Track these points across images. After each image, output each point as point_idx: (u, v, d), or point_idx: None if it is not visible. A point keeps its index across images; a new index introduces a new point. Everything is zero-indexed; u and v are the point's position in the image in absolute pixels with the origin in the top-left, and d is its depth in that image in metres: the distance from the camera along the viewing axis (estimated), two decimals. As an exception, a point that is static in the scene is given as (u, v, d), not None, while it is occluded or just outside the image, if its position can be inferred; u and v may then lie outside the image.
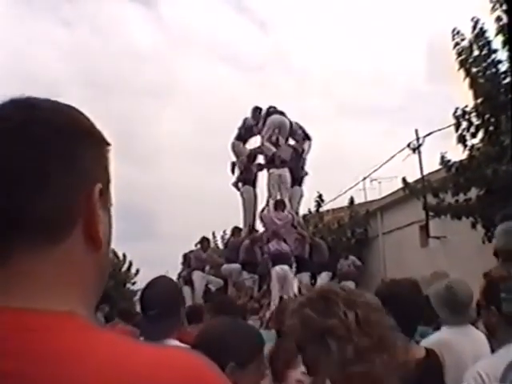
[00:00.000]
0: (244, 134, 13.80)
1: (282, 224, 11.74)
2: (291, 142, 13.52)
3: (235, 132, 13.90)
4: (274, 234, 11.37)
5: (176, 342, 2.53)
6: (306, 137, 13.53)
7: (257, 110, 13.74)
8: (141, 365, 0.67)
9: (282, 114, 13.31)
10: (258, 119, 13.55)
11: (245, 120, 13.84)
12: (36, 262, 0.72)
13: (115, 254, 29.78)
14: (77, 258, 0.75)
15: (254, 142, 13.79)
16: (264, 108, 13.63)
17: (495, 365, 2.08)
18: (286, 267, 10.51)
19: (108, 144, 0.84)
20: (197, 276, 12.71)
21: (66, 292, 0.73)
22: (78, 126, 0.79)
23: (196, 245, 13.59)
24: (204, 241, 13.67)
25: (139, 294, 2.71)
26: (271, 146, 12.85)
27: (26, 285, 0.71)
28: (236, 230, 13.51)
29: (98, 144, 0.82)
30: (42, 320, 0.68)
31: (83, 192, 0.76)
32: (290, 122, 13.27)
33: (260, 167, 13.42)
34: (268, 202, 12.68)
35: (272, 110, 13.28)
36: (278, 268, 10.42)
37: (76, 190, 0.75)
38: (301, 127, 13.54)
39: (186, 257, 13.93)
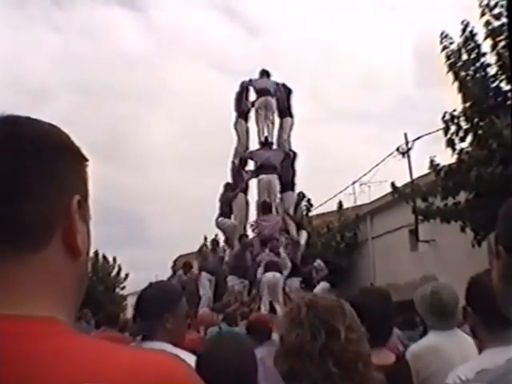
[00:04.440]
0: (243, 110, 13.95)
1: (271, 227, 11.74)
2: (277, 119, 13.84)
3: (234, 113, 14.06)
4: (265, 241, 11.39)
5: (169, 346, 2.49)
6: (289, 113, 13.96)
7: (243, 85, 14.15)
8: (118, 367, 0.70)
9: (268, 76, 13.99)
10: (248, 91, 14.05)
11: (238, 95, 14.05)
12: (18, 269, 0.75)
13: (105, 258, 29.66)
14: (56, 266, 0.78)
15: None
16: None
17: (475, 369, 2.06)
18: (278, 274, 10.51)
19: (86, 159, 0.88)
20: (204, 278, 12.58)
21: (47, 299, 0.76)
22: (58, 142, 0.83)
23: (202, 247, 13.56)
24: (214, 242, 13.60)
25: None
26: (262, 150, 12.99)
27: (9, 292, 0.74)
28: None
29: (76, 159, 0.86)
30: (26, 325, 0.71)
31: (62, 203, 0.79)
32: (277, 98, 13.68)
33: (252, 174, 13.45)
34: (258, 207, 12.72)
35: (260, 88, 13.71)
36: (270, 274, 10.42)
37: (55, 201, 0.79)
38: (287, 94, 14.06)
39: (175, 262, 13.87)
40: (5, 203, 0.75)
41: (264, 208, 12.29)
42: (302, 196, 13.69)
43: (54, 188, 0.79)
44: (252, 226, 12.57)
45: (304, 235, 13.43)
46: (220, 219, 13.11)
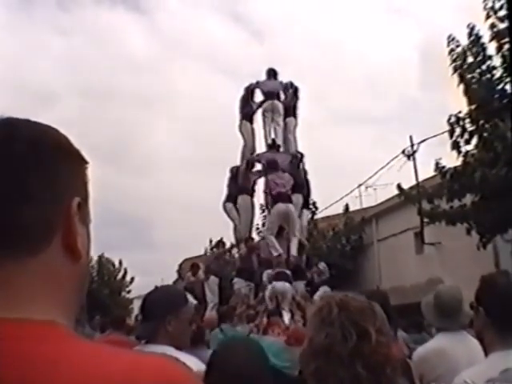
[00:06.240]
0: (247, 112, 13.94)
1: (282, 185, 11.93)
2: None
3: (238, 115, 14.06)
4: (278, 197, 11.66)
5: (170, 349, 2.49)
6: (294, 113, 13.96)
7: (249, 88, 14.19)
8: (117, 370, 0.70)
9: (275, 76, 14.01)
10: (253, 93, 14.10)
11: (243, 98, 14.07)
12: (18, 272, 0.74)
13: (110, 261, 29.69)
14: (56, 268, 0.77)
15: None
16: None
17: (482, 373, 2.04)
18: (287, 285, 10.51)
19: (86, 162, 0.87)
20: (213, 283, 12.55)
21: (47, 302, 0.75)
22: (57, 144, 0.82)
23: (212, 248, 13.56)
24: (219, 245, 13.58)
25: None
26: (269, 153, 13.07)
27: (9, 295, 0.73)
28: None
29: (76, 161, 0.85)
30: (26, 329, 0.70)
31: (62, 205, 0.79)
32: (281, 100, 13.73)
33: (259, 174, 13.46)
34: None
35: (268, 91, 13.75)
36: (280, 284, 10.41)
37: (55, 203, 0.78)
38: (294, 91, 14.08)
39: (181, 265, 13.86)
40: (4, 205, 0.74)
41: (271, 165, 12.39)
42: (301, 156, 13.57)
43: (54, 190, 0.78)
44: (265, 187, 12.68)
45: (306, 213, 13.61)
46: (227, 204, 13.20)
